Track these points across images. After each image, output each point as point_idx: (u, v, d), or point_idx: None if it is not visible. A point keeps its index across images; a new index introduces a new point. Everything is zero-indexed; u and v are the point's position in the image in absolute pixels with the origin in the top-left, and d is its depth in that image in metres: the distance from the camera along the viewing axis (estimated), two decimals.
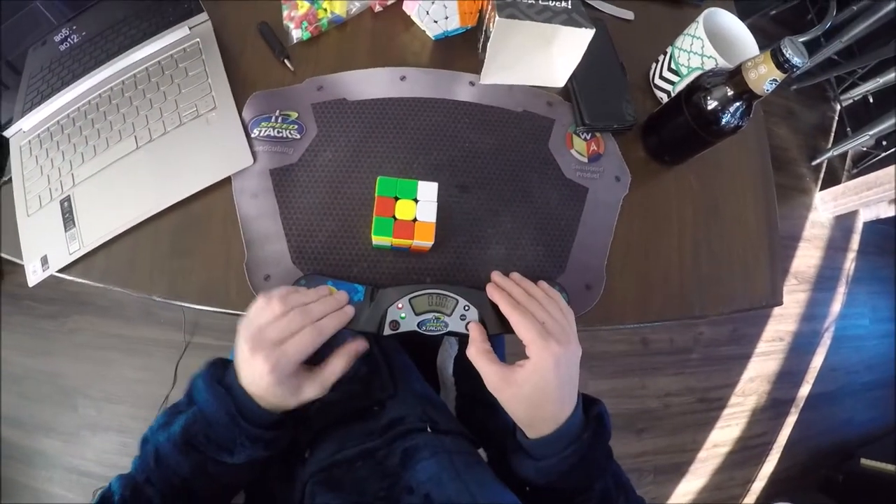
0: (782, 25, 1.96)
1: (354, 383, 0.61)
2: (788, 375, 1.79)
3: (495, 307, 0.52)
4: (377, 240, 0.52)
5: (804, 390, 1.81)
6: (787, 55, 0.48)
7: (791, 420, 1.77)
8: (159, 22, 0.62)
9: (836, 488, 1.66)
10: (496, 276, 0.54)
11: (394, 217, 0.51)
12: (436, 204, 0.52)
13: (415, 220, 0.51)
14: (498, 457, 0.64)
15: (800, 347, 1.82)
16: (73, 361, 1.43)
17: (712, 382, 1.71)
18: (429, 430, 0.53)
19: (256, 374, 0.42)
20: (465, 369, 0.73)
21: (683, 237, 0.65)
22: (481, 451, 0.59)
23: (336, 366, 0.48)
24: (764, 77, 0.51)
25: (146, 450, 0.44)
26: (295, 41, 0.62)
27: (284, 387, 0.43)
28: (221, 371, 0.46)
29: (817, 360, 1.84)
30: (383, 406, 0.57)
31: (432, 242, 0.52)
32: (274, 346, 0.43)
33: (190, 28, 0.62)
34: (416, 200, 0.52)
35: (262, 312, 0.45)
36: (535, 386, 0.45)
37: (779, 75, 0.50)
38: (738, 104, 0.55)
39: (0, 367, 1.41)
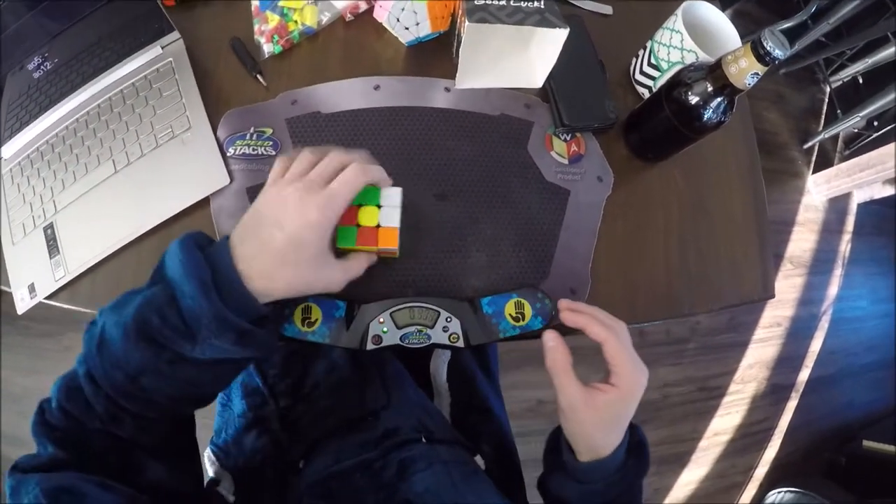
0: (768, 9, 1.94)
1: (347, 392, 0.61)
2: (787, 360, 1.80)
3: (479, 318, 0.52)
4: (342, 250, 0.50)
5: (804, 375, 1.81)
6: (768, 48, 0.47)
7: (791, 405, 1.78)
8: (132, 43, 0.61)
9: (839, 471, 1.67)
10: (565, 303, 0.49)
11: (357, 224, 0.49)
12: (399, 209, 0.49)
13: (378, 226, 0.49)
14: (499, 461, 0.64)
15: (798, 332, 1.82)
16: None
17: (711, 371, 1.72)
18: (424, 440, 0.54)
19: (297, 222, 0.38)
20: (458, 375, 0.74)
21: (669, 235, 0.65)
22: (478, 459, 0.59)
23: (361, 261, 0.47)
24: (745, 71, 0.49)
25: (91, 333, 0.37)
26: (267, 55, 0.62)
27: (320, 242, 0.40)
28: (207, 241, 0.40)
29: (816, 344, 1.84)
30: (377, 416, 0.57)
31: (396, 247, 0.50)
32: (323, 186, 0.40)
33: (162, 48, 0.61)
34: (379, 206, 0.49)
35: (296, 164, 0.43)
36: (615, 413, 0.44)
37: (760, 68, 0.49)
38: (719, 99, 0.54)
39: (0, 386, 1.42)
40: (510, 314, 0.53)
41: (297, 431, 0.58)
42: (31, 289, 0.56)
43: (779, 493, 1.60)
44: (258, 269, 0.37)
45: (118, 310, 0.36)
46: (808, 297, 1.86)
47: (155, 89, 0.60)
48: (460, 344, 0.51)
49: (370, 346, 0.50)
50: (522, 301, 0.53)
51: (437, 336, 0.51)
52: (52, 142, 0.60)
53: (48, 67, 0.62)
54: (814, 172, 1.96)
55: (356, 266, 0.46)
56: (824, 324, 1.86)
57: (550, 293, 0.55)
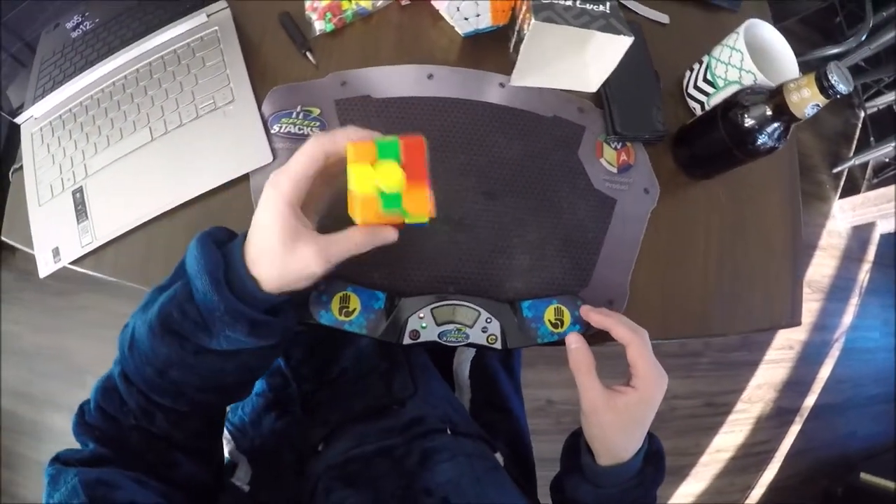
0: (810, 27, 1.90)
1: (375, 379, 0.61)
2: (795, 384, 1.79)
3: (518, 321, 0.51)
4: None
5: (810, 400, 1.80)
6: (833, 81, 0.47)
7: (795, 429, 1.77)
8: (176, 8, 0.60)
9: (835, 501, 1.66)
10: (588, 309, 0.50)
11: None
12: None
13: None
14: (514, 461, 0.64)
15: (809, 357, 1.81)
16: (82, 339, 1.44)
17: (720, 387, 1.71)
18: (449, 431, 0.53)
19: (261, 206, 0.37)
20: (481, 372, 0.73)
21: (709, 254, 0.64)
22: (497, 456, 0.59)
23: (350, 240, 0.39)
24: (806, 101, 0.49)
25: (124, 336, 0.40)
26: (317, 33, 0.60)
27: (282, 219, 0.36)
28: (226, 236, 0.41)
29: (825, 371, 1.83)
30: (403, 405, 0.56)
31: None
32: (285, 171, 0.38)
33: (208, 16, 0.60)
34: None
35: None
36: (635, 416, 0.44)
37: (822, 100, 0.48)
38: (776, 125, 0.53)
39: None
40: (549, 320, 0.52)
41: (318, 415, 0.58)
42: (56, 252, 0.55)
43: None
44: (252, 262, 0.38)
45: (145, 309, 0.38)
46: (823, 323, 1.84)
47: (198, 58, 0.58)
48: (497, 346, 0.51)
49: (407, 340, 0.49)
50: (562, 308, 0.53)
51: (476, 336, 0.50)
52: (86, 104, 0.59)
53: (87, 27, 0.60)
54: (840, 198, 1.93)
55: (341, 244, 0.39)
56: (835, 351, 1.85)
57: (589, 303, 0.54)
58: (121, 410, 0.39)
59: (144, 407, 0.39)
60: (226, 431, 0.63)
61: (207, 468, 0.44)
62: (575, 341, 0.47)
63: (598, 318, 0.48)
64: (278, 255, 0.37)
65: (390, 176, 0.36)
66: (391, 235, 0.40)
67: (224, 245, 0.39)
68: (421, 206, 0.37)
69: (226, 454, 0.60)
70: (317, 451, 0.51)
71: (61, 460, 0.37)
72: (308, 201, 0.39)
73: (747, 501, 1.70)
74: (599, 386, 0.44)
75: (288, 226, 0.37)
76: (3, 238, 0.58)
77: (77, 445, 0.40)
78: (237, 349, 0.39)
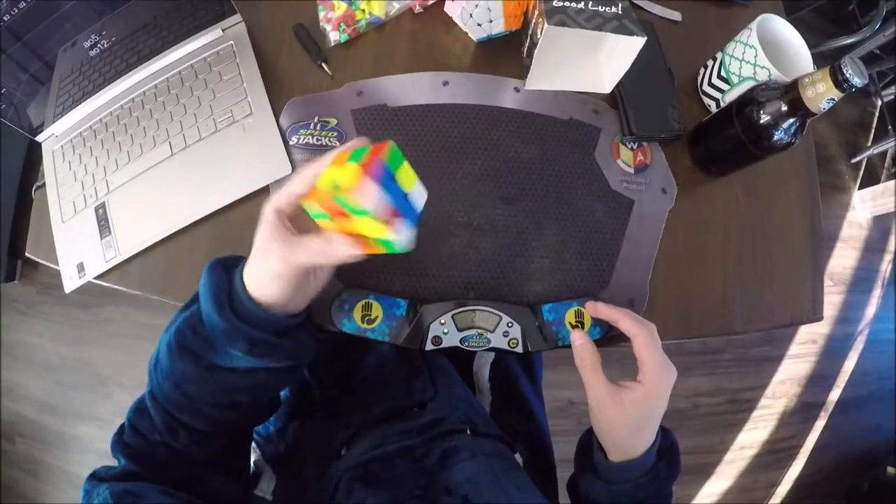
0: (823, 16, 1.87)
1: (395, 383, 0.61)
2: (819, 378, 1.76)
3: (539, 325, 0.51)
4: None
5: (834, 394, 1.77)
6: (848, 75, 0.46)
7: (819, 424, 1.74)
8: (191, 24, 0.60)
9: (861, 496, 1.63)
10: (594, 303, 0.51)
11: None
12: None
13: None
14: (533, 463, 0.64)
15: (832, 350, 1.78)
16: (106, 351, 1.47)
17: (743, 384, 1.69)
18: (469, 432, 0.54)
19: (260, 228, 0.38)
20: (501, 375, 0.74)
21: (728, 251, 0.63)
22: (517, 457, 0.59)
23: (308, 245, 0.37)
24: (821, 95, 0.49)
25: (152, 357, 0.42)
26: (332, 44, 0.60)
27: (276, 236, 0.37)
28: (236, 263, 0.41)
29: (849, 364, 1.80)
30: (424, 407, 0.57)
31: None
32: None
33: (223, 30, 0.61)
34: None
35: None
36: (643, 411, 0.44)
37: (837, 94, 0.48)
38: (791, 120, 0.53)
39: None
40: (570, 322, 0.52)
41: (341, 419, 0.58)
42: (80, 268, 0.56)
43: None
44: (251, 285, 0.39)
45: (168, 330, 0.41)
46: (845, 316, 1.81)
47: (215, 72, 0.59)
48: (519, 349, 0.51)
49: (429, 346, 0.49)
50: (583, 310, 0.53)
51: (497, 340, 0.50)
52: (105, 121, 0.60)
53: (104, 45, 0.61)
54: (860, 188, 1.89)
55: (301, 248, 0.37)
56: (859, 344, 1.81)
57: (609, 303, 0.54)
58: (149, 427, 0.41)
59: (168, 423, 0.40)
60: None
61: (235, 483, 0.46)
62: (579, 338, 0.47)
63: (605, 310, 0.49)
64: (258, 258, 0.38)
65: (344, 171, 0.33)
66: (348, 249, 0.36)
67: (231, 270, 0.41)
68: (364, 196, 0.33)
69: (251, 462, 0.61)
70: (339, 455, 0.52)
71: (97, 477, 0.39)
72: (308, 227, 0.39)
73: (773, 498, 1.68)
74: (605, 381, 0.45)
75: (269, 226, 0.38)
76: (28, 255, 0.59)
77: (113, 462, 0.42)
78: (250, 368, 0.40)
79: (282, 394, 0.66)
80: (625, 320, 0.46)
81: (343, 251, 0.36)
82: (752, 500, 1.67)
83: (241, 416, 0.44)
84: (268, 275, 0.38)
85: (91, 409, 1.46)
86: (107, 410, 1.45)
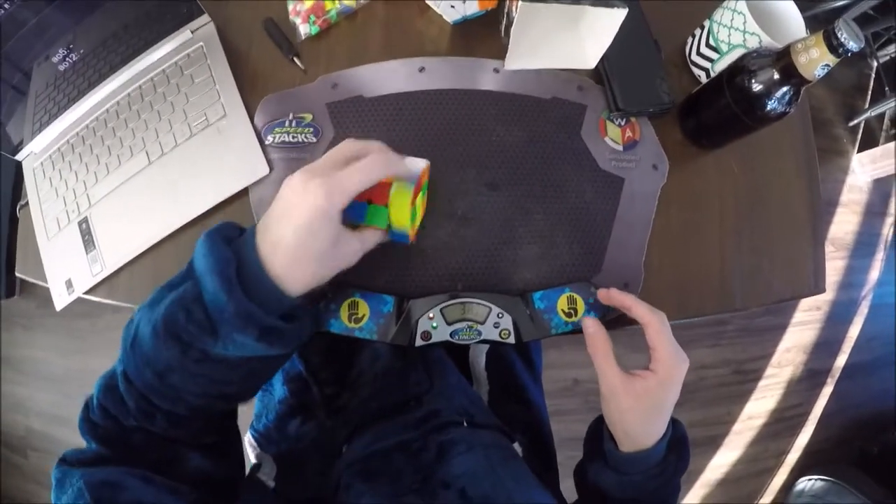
0: None
1: (390, 378, 0.61)
2: (825, 345, 1.75)
3: (531, 314, 0.50)
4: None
5: (840, 360, 1.76)
6: (842, 39, 0.44)
7: (827, 391, 1.74)
8: (159, 28, 0.59)
9: (871, 461, 1.63)
10: (606, 291, 0.49)
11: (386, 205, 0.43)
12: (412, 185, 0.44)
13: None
14: (533, 451, 0.63)
15: (836, 316, 1.77)
16: (109, 359, 1.44)
17: (748, 354, 1.68)
18: (465, 423, 0.54)
19: (303, 211, 0.36)
20: (497, 363, 0.73)
21: (724, 226, 0.62)
22: (516, 446, 0.59)
23: (377, 234, 0.43)
24: (815, 62, 0.47)
25: (127, 332, 0.38)
26: (303, 37, 0.58)
27: (331, 227, 0.37)
28: (236, 232, 0.39)
29: (854, 330, 1.79)
30: (420, 400, 0.57)
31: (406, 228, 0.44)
32: (333, 171, 0.37)
33: (192, 32, 0.59)
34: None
35: (329, 153, 0.41)
36: (655, 400, 0.43)
37: (832, 60, 0.46)
38: (785, 89, 0.51)
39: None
40: (562, 309, 0.51)
41: (341, 417, 0.58)
42: (69, 284, 0.56)
43: (809, 480, 1.58)
44: (279, 263, 0.36)
45: (151, 308, 0.36)
46: (849, 281, 1.79)
47: (186, 76, 0.58)
48: (511, 340, 0.50)
49: (419, 342, 0.49)
50: (575, 296, 0.51)
51: (488, 332, 0.49)
52: (82, 134, 0.59)
53: (74, 58, 0.60)
54: (859, 151, 1.86)
55: (371, 238, 0.43)
56: (864, 309, 1.80)
57: (603, 287, 0.53)
58: (121, 410, 0.38)
59: (144, 408, 0.37)
60: (251, 438, 0.65)
61: (219, 462, 0.43)
62: (591, 325, 0.46)
63: (619, 297, 0.47)
64: (328, 255, 0.37)
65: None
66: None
67: (233, 242, 0.37)
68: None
69: (252, 458, 0.61)
70: (340, 453, 0.52)
71: (67, 461, 0.37)
72: None
73: (782, 467, 1.68)
74: (618, 370, 0.44)
75: (336, 229, 0.37)
76: (18, 274, 0.59)
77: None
78: (245, 357, 0.37)
79: (281, 394, 0.66)
80: (637, 307, 0.45)
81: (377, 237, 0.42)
82: (761, 470, 1.68)
83: (226, 402, 0.42)
84: (312, 255, 0.36)
85: None
86: None
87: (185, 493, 0.37)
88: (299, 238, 0.36)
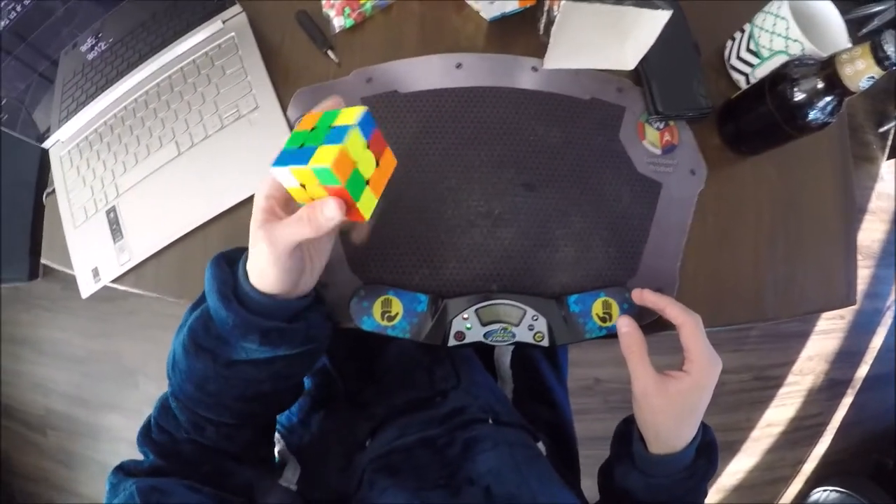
0: None
1: (417, 373, 0.61)
2: (847, 355, 1.71)
3: (565, 317, 0.50)
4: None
5: (862, 371, 1.73)
6: (890, 52, 0.43)
7: (847, 402, 1.71)
8: (190, 18, 0.58)
9: (886, 474, 1.60)
10: (640, 291, 0.48)
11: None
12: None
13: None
14: (556, 451, 0.63)
15: (860, 326, 1.73)
16: (131, 342, 1.50)
17: (770, 360, 1.65)
18: (490, 421, 0.53)
19: (258, 252, 0.36)
20: (523, 363, 0.73)
21: (760, 235, 0.60)
22: (539, 445, 0.58)
23: (289, 223, 0.35)
24: (861, 73, 0.45)
25: (168, 358, 0.42)
26: (337, 30, 0.58)
27: (288, 260, 0.36)
28: (240, 254, 0.41)
29: (877, 340, 1.75)
30: (446, 396, 0.57)
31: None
32: (274, 220, 0.36)
33: (223, 22, 0.58)
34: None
35: None
36: (688, 401, 0.43)
37: (877, 72, 0.45)
38: (828, 99, 0.49)
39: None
40: (597, 314, 0.50)
41: (365, 412, 0.58)
42: (95, 272, 0.56)
43: (824, 490, 1.56)
44: (261, 283, 0.38)
45: (180, 330, 0.41)
46: (874, 291, 1.75)
47: (217, 67, 0.57)
48: (545, 343, 0.50)
49: (452, 342, 0.48)
50: (610, 301, 0.51)
51: (522, 334, 0.49)
52: (110, 123, 0.59)
53: (102, 47, 0.59)
54: (889, 158, 1.81)
55: (281, 225, 0.35)
56: (888, 319, 1.76)
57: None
58: (174, 425, 0.42)
59: (194, 421, 0.41)
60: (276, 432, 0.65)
61: (264, 473, 0.47)
62: (626, 325, 0.46)
63: (652, 298, 0.47)
64: (252, 249, 0.37)
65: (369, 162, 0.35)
66: (329, 211, 0.33)
67: (235, 263, 0.40)
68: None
69: (275, 452, 0.61)
70: (364, 447, 0.52)
71: (124, 470, 0.40)
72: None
73: (798, 476, 1.66)
74: (651, 370, 0.43)
75: (256, 212, 0.37)
76: (43, 261, 0.59)
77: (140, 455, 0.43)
78: (268, 357, 0.39)
79: (306, 386, 0.66)
80: (672, 308, 0.45)
81: (324, 215, 0.33)
82: (777, 478, 1.65)
83: (266, 405, 0.45)
84: (264, 263, 0.36)
85: (119, 399, 1.50)
86: (134, 400, 1.49)
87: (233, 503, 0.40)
88: (265, 269, 0.37)
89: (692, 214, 0.57)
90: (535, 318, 0.49)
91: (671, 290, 0.55)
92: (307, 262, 0.40)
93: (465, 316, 0.48)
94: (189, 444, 0.41)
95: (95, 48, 0.59)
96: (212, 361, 0.38)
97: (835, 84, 0.48)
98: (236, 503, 0.40)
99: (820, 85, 0.49)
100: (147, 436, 0.42)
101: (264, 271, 0.36)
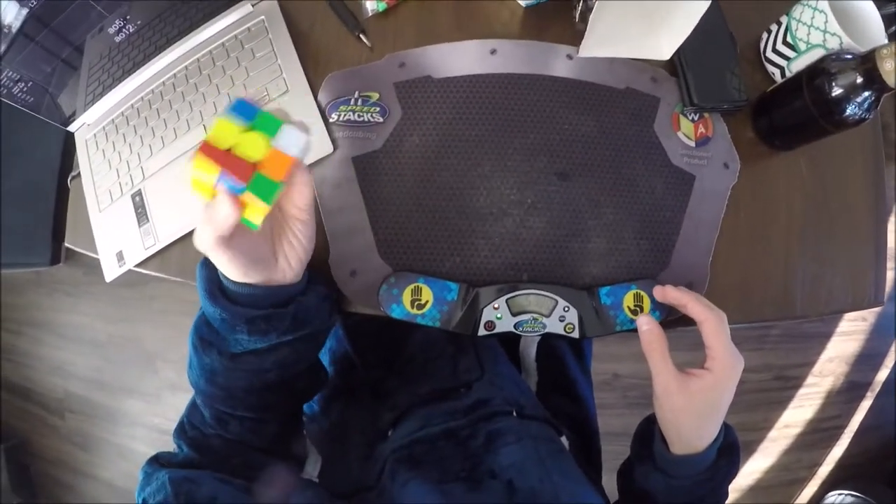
0: None
1: (441, 364, 0.61)
2: (868, 358, 1.68)
3: (596, 309, 0.49)
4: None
5: (882, 374, 1.70)
6: None
7: (866, 405, 1.68)
8: (219, 1, 0.58)
9: None
10: (661, 287, 0.48)
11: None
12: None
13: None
14: (579, 446, 0.63)
15: (882, 329, 1.70)
16: (152, 327, 1.52)
17: (790, 360, 1.63)
18: (514, 414, 0.53)
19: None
20: (548, 355, 0.73)
21: (791, 231, 0.59)
22: (563, 440, 0.58)
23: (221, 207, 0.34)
24: None
25: (187, 359, 0.44)
26: (370, 13, 0.57)
27: (234, 254, 0.36)
28: None
29: None
30: (470, 388, 0.57)
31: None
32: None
33: (253, 5, 0.58)
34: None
35: None
36: (710, 400, 0.43)
37: None
38: (866, 94, 0.49)
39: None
40: (628, 306, 0.50)
41: (387, 401, 0.58)
42: (120, 256, 0.56)
43: (839, 494, 1.54)
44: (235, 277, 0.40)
45: (191, 331, 0.43)
46: None
47: (247, 50, 0.57)
48: (575, 335, 0.49)
49: (482, 331, 0.48)
50: (642, 293, 0.50)
51: (553, 325, 0.49)
52: (137, 106, 0.59)
53: (130, 30, 0.59)
54: None
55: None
56: None
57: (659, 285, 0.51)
58: (201, 420, 0.44)
59: (217, 415, 0.43)
60: None
61: (294, 467, 0.48)
62: (646, 323, 0.45)
63: (674, 294, 0.46)
64: (253, 259, 0.39)
65: (254, 144, 0.35)
66: (226, 211, 0.34)
67: None
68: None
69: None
70: (385, 437, 0.52)
71: (158, 461, 0.42)
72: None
73: (814, 478, 1.64)
74: (672, 369, 0.43)
75: (239, 252, 0.37)
76: (67, 245, 0.59)
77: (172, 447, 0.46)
78: (268, 346, 0.41)
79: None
80: (694, 305, 0.44)
81: (222, 212, 0.34)
82: (793, 480, 1.64)
83: (279, 395, 0.45)
84: (217, 261, 0.38)
85: (138, 383, 1.51)
86: (153, 385, 1.51)
87: None
88: (222, 265, 0.38)
89: (724, 208, 0.56)
90: (566, 308, 0.48)
91: (702, 285, 0.55)
92: (278, 247, 0.40)
93: (496, 305, 0.48)
94: (217, 439, 0.43)
95: (123, 31, 0.59)
96: (217, 355, 0.40)
97: (874, 79, 0.47)
98: None
99: (859, 80, 0.48)
100: (181, 431, 0.44)
101: (224, 267, 0.38)
